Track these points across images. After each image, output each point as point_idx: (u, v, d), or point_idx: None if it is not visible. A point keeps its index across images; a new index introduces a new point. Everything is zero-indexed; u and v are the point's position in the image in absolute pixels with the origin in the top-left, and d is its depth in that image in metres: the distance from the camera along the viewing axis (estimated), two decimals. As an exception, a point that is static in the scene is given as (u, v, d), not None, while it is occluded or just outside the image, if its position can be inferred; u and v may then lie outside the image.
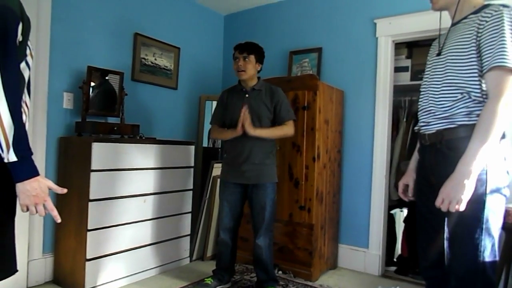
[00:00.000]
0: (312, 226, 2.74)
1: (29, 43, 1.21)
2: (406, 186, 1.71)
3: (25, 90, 1.22)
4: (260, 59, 2.48)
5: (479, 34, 1.33)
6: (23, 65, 1.19)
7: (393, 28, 2.92)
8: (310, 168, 2.76)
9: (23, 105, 1.19)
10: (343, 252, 3.12)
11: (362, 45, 3.08)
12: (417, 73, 3.08)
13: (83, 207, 2.33)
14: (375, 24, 3.01)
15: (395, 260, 3.21)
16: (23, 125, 1.10)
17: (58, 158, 2.57)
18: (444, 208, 1.29)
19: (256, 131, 2.30)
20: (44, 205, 1.15)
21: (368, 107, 3.04)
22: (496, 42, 1.27)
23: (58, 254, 2.53)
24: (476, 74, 1.35)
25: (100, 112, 2.73)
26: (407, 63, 3.18)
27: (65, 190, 1.22)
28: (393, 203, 3.20)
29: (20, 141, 1.06)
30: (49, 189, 1.16)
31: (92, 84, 2.63)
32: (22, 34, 1.14)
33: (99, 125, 2.55)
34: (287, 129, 2.42)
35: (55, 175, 2.56)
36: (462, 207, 1.25)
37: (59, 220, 1.21)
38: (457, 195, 1.25)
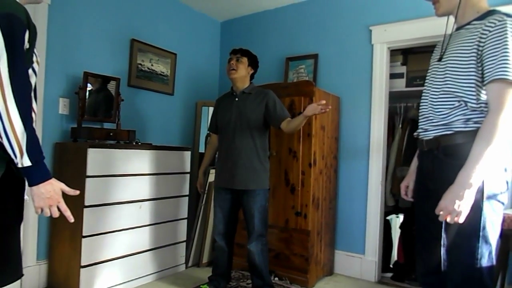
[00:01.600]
0: (308, 232, 2.74)
1: (35, 50, 1.24)
2: (408, 187, 1.72)
3: (32, 96, 1.24)
4: (252, 63, 2.51)
5: (481, 44, 1.31)
6: (30, 71, 1.22)
7: (389, 35, 2.94)
8: (306, 174, 2.76)
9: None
10: (339, 258, 3.12)
11: (358, 52, 3.10)
12: (412, 80, 3.11)
13: (78, 213, 2.31)
14: (370, 31, 3.04)
15: (391, 266, 3.21)
16: (34, 130, 1.13)
17: (54, 163, 2.56)
18: (441, 219, 1.29)
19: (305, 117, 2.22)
20: (57, 207, 1.19)
21: (364, 113, 3.05)
22: (499, 54, 1.26)
23: (53, 260, 2.51)
24: (473, 84, 1.34)
25: (96, 118, 2.73)
26: (402, 69, 3.20)
27: (77, 192, 1.24)
28: (389, 209, 3.20)
29: (33, 146, 1.09)
30: (62, 191, 1.19)
31: (88, 89, 2.63)
32: (28, 41, 1.17)
33: (95, 130, 2.54)
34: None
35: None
36: (461, 219, 1.25)
37: (72, 220, 1.23)
38: (456, 208, 1.24)
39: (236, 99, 2.47)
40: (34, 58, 1.25)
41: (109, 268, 2.47)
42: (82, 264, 2.31)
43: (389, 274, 3.09)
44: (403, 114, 3.22)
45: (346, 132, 3.15)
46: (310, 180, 2.74)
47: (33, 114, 1.23)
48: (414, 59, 3.17)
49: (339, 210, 3.16)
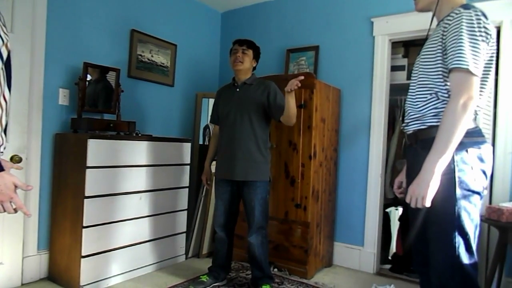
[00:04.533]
0: (307, 224, 2.75)
1: (2, 34, 1.13)
2: (401, 183, 1.75)
3: (3, 84, 1.16)
4: (256, 56, 2.52)
5: (444, 37, 1.39)
6: None
7: (390, 27, 2.93)
8: (306, 166, 2.77)
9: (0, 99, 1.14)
10: (339, 250, 3.14)
11: (359, 44, 3.09)
12: None
13: (79, 204, 2.33)
14: (372, 22, 3.02)
15: (390, 258, 3.23)
16: None
17: (54, 154, 2.56)
18: (412, 205, 1.35)
19: (290, 94, 2.20)
20: (11, 202, 1.09)
21: (365, 105, 3.05)
22: (455, 44, 1.33)
23: (53, 251, 2.53)
24: (440, 74, 1.41)
25: (96, 108, 2.72)
26: (404, 62, 3.19)
27: (30, 187, 1.16)
28: (389, 201, 3.22)
29: None
30: (15, 186, 1.10)
31: (88, 80, 2.62)
32: None
33: (95, 121, 2.54)
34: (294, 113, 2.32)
35: (50, 171, 2.55)
36: (427, 203, 1.30)
37: (29, 215, 1.16)
38: (421, 192, 1.30)
39: (238, 90, 2.46)
40: (0, 43, 1.12)
41: (109, 259, 2.49)
42: (83, 254, 2.32)
43: (388, 266, 3.11)
44: (403, 107, 3.20)
45: (346, 124, 3.15)
46: (310, 173, 2.75)
47: (3, 103, 1.15)
48: (415, 51, 3.16)
49: (338, 202, 3.17)
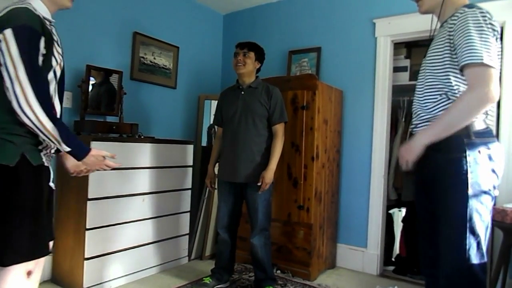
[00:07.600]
0: (310, 226, 2.75)
1: (55, 54, 1.38)
2: None
3: (55, 98, 1.42)
4: (259, 58, 2.50)
5: (451, 37, 1.40)
6: (50, 75, 1.36)
7: (392, 28, 2.92)
8: (309, 167, 2.76)
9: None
10: (342, 252, 3.13)
11: (361, 45, 3.08)
12: (416, 73, 3.03)
13: (82, 206, 2.33)
14: (374, 24, 3.01)
15: (393, 259, 3.22)
16: (59, 120, 1.33)
17: (57, 156, 2.56)
18: (401, 163, 1.51)
19: (270, 172, 2.34)
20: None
21: (367, 107, 3.04)
22: (464, 41, 1.33)
23: (57, 253, 2.53)
24: (450, 76, 1.41)
25: (99, 111, 2.73)
26: (406, 63, 3.18)
27: (114, 155, 1.60)
28: (392, 203, 3.20)
29: (65, 135, 1.32)
30: (104, 157, 1.51)
31: (91, 83, 2.63)
32: (45, 47, 1.31)
33: (98, 124, 2.54)
34: (279, 143, 2.40)
35: (53, 173, 2.54)
36: (410, 166, 1.46)
37: (118, 163, 1.62)
38: (406, 156, 1.46)
39: (242, 92, 2.46)
40: (55, 63, 1.37)
41: (112, 261, 2.49)
42: (86, 256, 2.33)
43: (391, 268, 3.10)
44: (406, 108, 3.20)
45: (349, 125, 3.14)
46: (313, 174, 2.74)
47: (58, 110, 1.42)
48: (418, 52, 3.15)
49: (341, 203, 3.16)
